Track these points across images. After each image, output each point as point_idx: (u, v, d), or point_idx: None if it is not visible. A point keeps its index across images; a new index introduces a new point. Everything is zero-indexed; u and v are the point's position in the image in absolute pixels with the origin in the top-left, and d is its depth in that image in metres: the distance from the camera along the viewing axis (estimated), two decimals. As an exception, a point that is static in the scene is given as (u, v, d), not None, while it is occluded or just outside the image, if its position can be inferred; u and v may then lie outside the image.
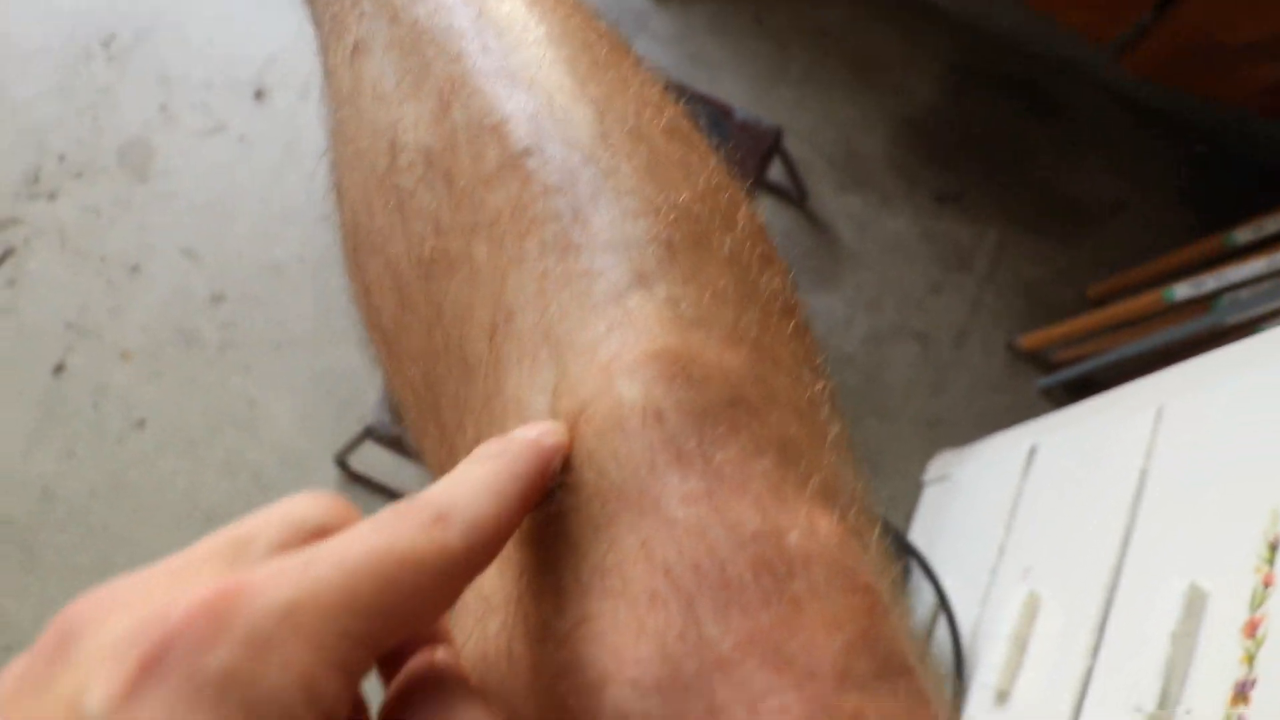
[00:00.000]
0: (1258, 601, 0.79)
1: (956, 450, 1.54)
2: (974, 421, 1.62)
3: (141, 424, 1.56)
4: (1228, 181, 1.77)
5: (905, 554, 1.27)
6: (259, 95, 1.76)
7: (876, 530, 0.28)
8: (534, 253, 0.28)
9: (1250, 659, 0.78)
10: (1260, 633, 0.78)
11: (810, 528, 0.23)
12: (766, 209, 1.72)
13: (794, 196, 1.72)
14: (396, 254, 0.31)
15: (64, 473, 1.52)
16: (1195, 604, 0.85)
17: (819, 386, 0.28)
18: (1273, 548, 0.80)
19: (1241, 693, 0.77)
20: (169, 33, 1.80)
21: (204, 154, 1.73)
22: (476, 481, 0.23)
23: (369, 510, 0.23)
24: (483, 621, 0.26)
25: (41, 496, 1.51)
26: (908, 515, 1.58)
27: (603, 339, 0.26)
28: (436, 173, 0.30)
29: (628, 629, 0.22)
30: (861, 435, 1.62)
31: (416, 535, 0.21)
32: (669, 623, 0.22)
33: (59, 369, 1.57)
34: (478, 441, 0.26)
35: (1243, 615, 0.80)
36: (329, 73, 0.36)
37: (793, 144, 1.75)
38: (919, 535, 1.54)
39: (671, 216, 0.28)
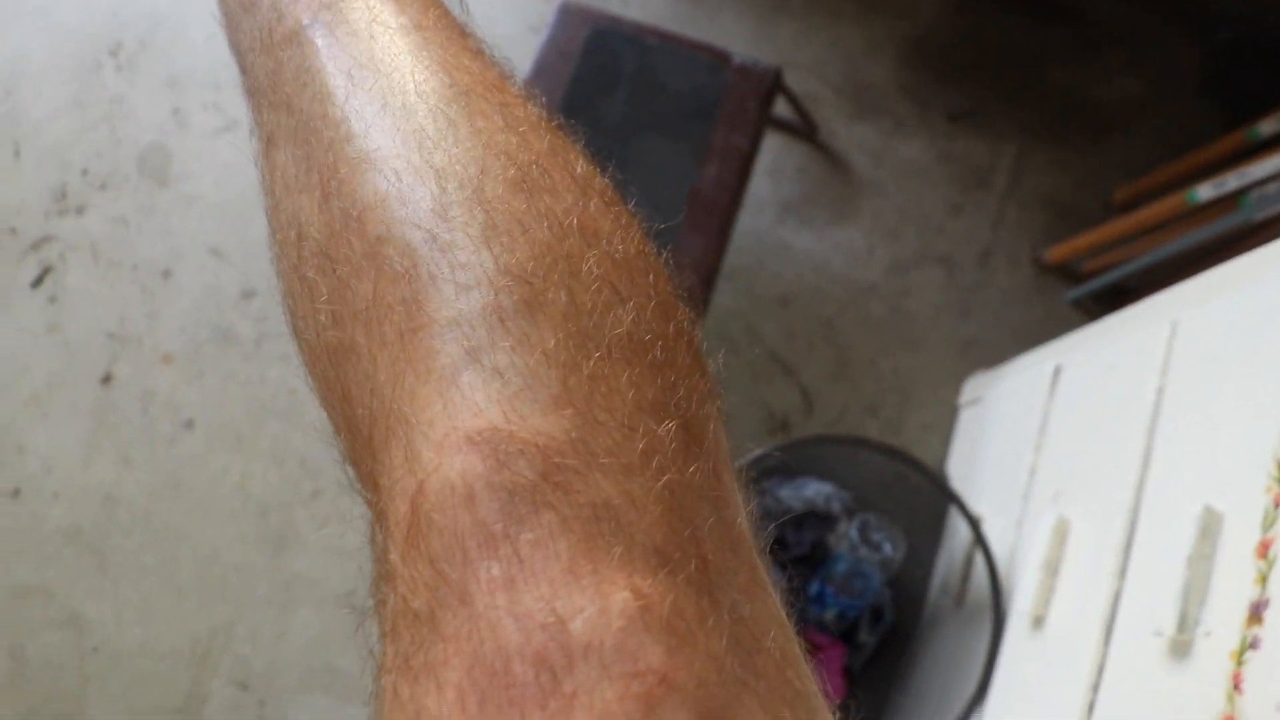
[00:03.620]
0: (1269, 522, 0.79)
1: (988, 372, 1.53)
2: (1006, 341, 1.61)
3: (190, 424, 1.61)
4: (1252, 70, 1.71)
5: (942, 495, 1.28)
6: (261, 92, 1.78)
7: (747, 548, 0.28)
8: (391, 337, 0.29)
9: (1263, 580, 0.77)
10: (1272, 553, 0.77)
11: (600, 609, 0.23)
12: (777, 147, 1.70)
13: (804, 131, 1.70)
14: (313, 342, 0.32)
15: (122, 478, 1.59)
16: (1211, 526, 0.85)
17: (667, 426, 0.27)
18: (1283, 466, 0.79)
19: (1256, 614, 0.77)
20: (172, 34, 1.82)
21: (219, 153, 1.76)
22: None
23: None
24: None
25: (104, 503, 1.57)
26: (945, 441, 1.58)
27: (438, 418, 0.26)
28: (327, 262, 0.31)
29: None
30: (891, 365, 1.62)
31: None
32: None
33: (106, 379, 1.63)
34: (397, 525, 0.27)
35: (1255, 536, 0.80)
36: (258, 166, 0.37)
37: (799, 77, 1.72)
38: (957, 461, 1.54)
39: (502, 283, 0.28)
